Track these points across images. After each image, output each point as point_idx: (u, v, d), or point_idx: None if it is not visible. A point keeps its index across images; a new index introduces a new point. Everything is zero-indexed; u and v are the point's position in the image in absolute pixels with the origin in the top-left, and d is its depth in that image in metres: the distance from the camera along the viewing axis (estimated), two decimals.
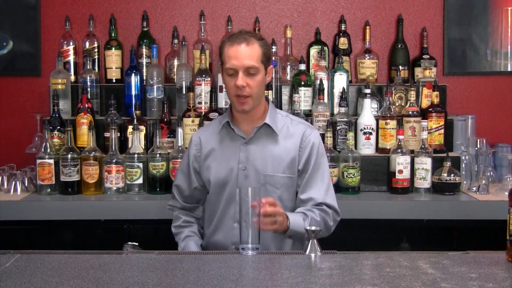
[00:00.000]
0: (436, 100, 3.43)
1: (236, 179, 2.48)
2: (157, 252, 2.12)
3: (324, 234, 2.46)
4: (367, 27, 3.75)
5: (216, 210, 2.54)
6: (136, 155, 3.26)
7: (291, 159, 2.49)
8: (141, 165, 3.25)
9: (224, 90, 3.42)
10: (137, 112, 3.38)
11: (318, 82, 3.48)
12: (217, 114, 3.30)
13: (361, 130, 3.42)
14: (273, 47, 3.61)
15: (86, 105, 3.40)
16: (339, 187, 3.29)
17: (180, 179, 2.62)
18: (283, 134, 2.50)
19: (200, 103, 3.45)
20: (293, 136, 2.50)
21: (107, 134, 3.37)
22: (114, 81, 3.67)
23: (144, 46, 3.68)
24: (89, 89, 3.54)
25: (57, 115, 3.38)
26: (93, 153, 3.26)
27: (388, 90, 3.46)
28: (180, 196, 2.63)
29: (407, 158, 3.29)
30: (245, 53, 2.36)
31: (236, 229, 2.45)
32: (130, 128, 3.34)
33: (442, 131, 3.43)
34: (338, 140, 3.39)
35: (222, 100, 3.45)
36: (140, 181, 3.26)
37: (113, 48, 3.67)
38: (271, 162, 2.48)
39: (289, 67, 3.67)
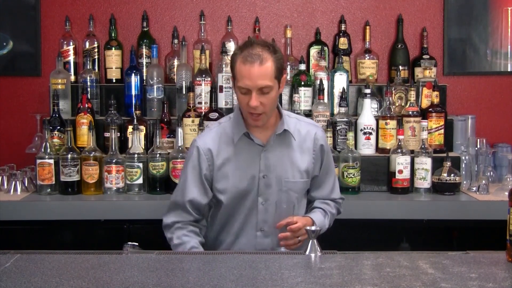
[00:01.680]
0: (436, 100, 3.43)
1: (257, 188, 2.45)
2: (157, 252, 2.12)
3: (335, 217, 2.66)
4: (367, 27, 3.75)
5: (236, 219, 2.50)
6: (136, 155, 3.26)
7: (307, 163, 2.51)
8: (141, 165, 3.25)
9: (224, 90, 3.44)
10: (137, 112, 3.38)
11: (318, 82, 3.48)
12: (217, 114, 3.30)
13: (361, 130, 3.42)
14: None
15: (86, 105, 3.40)
16: (339, 187, 3.28)
17: (193, 192, 2.47)
18: (297, 138, 2.50)
19: (200, 103, 3.45)
20: (306, 139, 2.51)
21: (107, 134, 3.37)
22: (114, 81, 3.67)
23: (144, 46, 3.68)
24: (89, 89, 3.54)
25: (57, 115, 3.38)
26: (93, 153, 3.26)
27: (388, 90, 3.46)
28: (194, 209, 2.48)
29: (407, 158, 3.29)
30: (259, 73, 2.29)
31: (259, 237, 2.49)
32: (130, 128, 3.34)
33: (442, 131, 3.43)
34: (338, 140, 3.39)
35: (222, 100, 3.45)
36: (140, 181, 3.26)
37: (113, 48, 3.67)
38: (291, 168, 2.48)
39: (289, 67, 3.67)
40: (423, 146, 3.31)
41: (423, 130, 3.32)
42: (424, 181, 3.30)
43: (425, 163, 3.29)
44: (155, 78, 3.54)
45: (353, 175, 3.28)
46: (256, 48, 2.31)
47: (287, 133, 2.47)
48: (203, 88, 3.45)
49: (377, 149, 3.44)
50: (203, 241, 2.51)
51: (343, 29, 3.76)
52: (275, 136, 2.45)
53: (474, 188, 3.33)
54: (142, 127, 3.37)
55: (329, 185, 2.61)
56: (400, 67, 3.70)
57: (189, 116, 3.37)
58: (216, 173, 2.46)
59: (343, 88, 3.48)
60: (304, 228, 2.26)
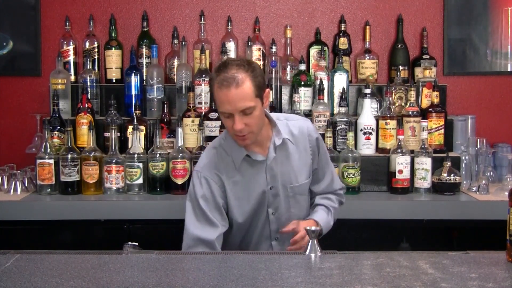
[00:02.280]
0: (436, 100, 3.43)
1: (266, 200, 2.45)
2: (157, 252, 2.12)
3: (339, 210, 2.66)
4: (367, 27, 3.75)
5: (250, 234, 2.49)
6: (136, 155, 3.26)
7: (307, 161, 2.50)
8: (141, 165, 3.25)
9: None
10: (137, 112, 3.38)
11: (318, 82, 3.48)
12: (216, 114, 3.30)
13: (361, 130, 3.42)
14: (273, 47, 3.61)
15: (86, 105, 3.40)
16: None
17: (205, 230, 2.36)
18: (292, 141, 2.47)
19: (200, 103, 3.45)
20: (300, 138, 2.48)
21: (107, 134, 3.37)
22: (114, 81, 3.67)
23: (144, 46, 3.68)
24: (89, 89, 3.54)
25: (57, 115, 3.38)
26: (93, 153, 3.26)
27: (388, 90, 3.46)
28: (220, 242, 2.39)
29: (407, 158, 3.29)
30: (237, 97, 2.20)
31: (275, 247, 2.51)
32: (130, 128, 3.34)
33: (442, 131, 3.43)
34: (338, 140, 3.39)
35: None
36: (140, 181, 3.26)
37: (113, 48, 3.67)
38: (294, 173, 2.47)
39: (289, 67, 3.67)
40: (423, 146, 3.31)
41: (423, 130, 3.32)
42: (424, 181, 3.30)
43: (425, 163, 3.29)
44: (155, 78, 3.54)
45: (353, 175, 3.28)
46: (231, 70, 2.22)
47: (285, 141, 2.44)
48: (203, 88, 3.45)
49: (377, 149, 3.44)
50: None
51: (343, 29, 3.76)
52: (273, 147, 2.42)
53: (474, 188, 3.33)
54: (142, 127, 3.37)
55: (329, 176, 2.59)
56: (400, 67, 3.70)
57: (189, 116, 3.37)
58: (230, 198, 2.41)
59: (343, 88, 3.48)
60: (304, 228, 2.26)
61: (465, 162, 3.44)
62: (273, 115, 2.49)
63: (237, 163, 2.38)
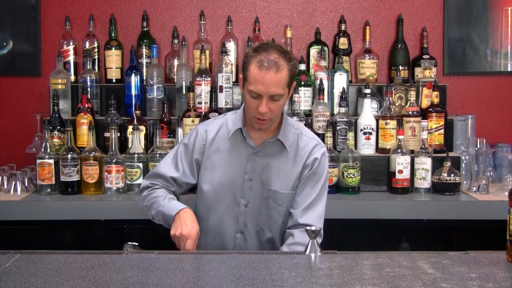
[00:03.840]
0: (436, 100, 3.43)
1: (241, 188, 2.43)
2: (157, 252, 2.12)
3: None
4: (367, 27, 3.75)
5: (215, 213, 2.48)
6: (136, 155, 3.26)
7: (296, 176, 2.45)
8: (141, 165, 3.25)
9: (224, 90, 3.44)
10: (137, 112, 3.38)
11: (318, 82, 3.48)
12: (217, 114, 3.30)
13: (361, 130, 3.42)
14: None
15: (86, 105, 3.40)
16: (339, 187, 3.29)
17: (167, 168, 2.48)
18: (292, 150, 2.44)
19: (200, 103, 3.45)
20: (301, 153, 2.45)
21: (107, 134, 3.37)
22: (114, 81, 3.67)
23: (144, 46, 3.68)
24: (89, 89, 3.54)
25: (57, 115, 3.38)
26: (93, 153, 3.26)
27: (388, 90, 3.46)
28: (166, 182, 2.48)
29: (407, 158, 3.29)
30: (273, 81, 2.24)
31: (238, 239, 2.47)
32: (130, 128, 3.34)
33: (442, 131, 3.43)
34: (338, 140, 3.39)
35: (222, 100, 3.45)
36: (140, 181, 3.26)
37: (113, 48, 3.67)
38: (277, 177, 2.43)
39: None
40: (423, 146, 3.31)
41: (423, 130, 3.33)
42: (424, 181, 3.30)
43: (425, 163, 3.29)
44: (155, 78, 3.54)
45: (353, 175, 3.28)
46: (273, 54, 2.26)
47: (281, 143, 2.43)
48: (203, 88, 3.45)
49: (377, 149, 3.44)
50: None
51: (343, 29, 3.76)
52: (267, 142, 2.43)
53: (474, 188, 3.33)
54: (142, 127, 3.37)
55: (305, 204, 2.42)
56: (400, 67, 3.70)
57: (189, 116, 3.37)
58: (205, 160, 2.46)
59: (343, 88, 3.48)
60: (304, 228, 2.25)
61: (465, 162, 3.44)
62: (293, 122, 2.51)
63: (230, 132, 2.44)
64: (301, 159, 2.44)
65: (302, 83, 3.51)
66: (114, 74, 3.67)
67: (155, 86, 3.54)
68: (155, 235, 3.00)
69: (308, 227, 2.12)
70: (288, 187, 2.44)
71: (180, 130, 3.24)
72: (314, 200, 2.44)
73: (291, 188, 2.44)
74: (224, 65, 3.46)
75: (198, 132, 2.49)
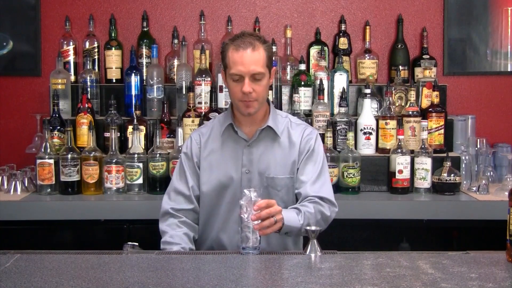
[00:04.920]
0: (436, 100, 3.43)
1: (239, 182, 2.47)
2: (157, 252, 2.13)
3: (323, 225, 2.40)
4: (367, 27, 3.75)
5: (217, 212, 2.51)
6: (136, 155, 3.26)
7: (292, 161, 2.50)
8: (141, 165, 3.25)
9: (224, 90, 3.44)
10: (137, 112, 3.38)
11: (318, 82, 3.48)
12: (217, 114, 3.30)
13: (361, 130, 3.42)
14: (273, 47, 3.61)
15: (86, 105, 3.40)
16: (339, 187, 3.29)
17: (181, 184, 2.53)
18: (285, 136, 2.51)
19: (200, 103, 3.45)
20: (294, 138, 2.51)
21: (107, 134, 3.37)
22: (114, 81, 3.67)
23: (144, 46, 3.68)
24: (89, 89, 3.53)
25: (57, 115, 3.38)
26: (93, 153, 3.26)
27: (388, 90, 3.46)
28: (185, 200, 2.52)
29: (407, 158, 3.29)
30: (251, 59, 2.35)
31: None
32: (130, 128, 3.34)
33: (442, 131, 3.43)
34: (338, 140, 3.39)
35: (222, 100, 3.45)
36: (140, 181, 3.26)
37: (113, 48, 3.67)
38: (274, 164, 2.48)
39: (289, 67, 3.67)
40: (423, 146, 3.31)
41: (423, 130, 3.32)
42: (424, 181, 3.30)
43: (425, 163, 3.29)
44: (155, 78, 3.54)
45: (353, 175, 3.28)
46: (247, 38, 2.38)
47: (273, 130, 2.49)
48: (203, 88, 3.45)
49: (377, 149, 3.44)
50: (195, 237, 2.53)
51: (343, 29, 3.76)
52: (258, 131, 2.48)
53: (474, 188, 3.33)
54: (142, 127, 3.37)
55: (310, 180, 2.47)
56: (400, 67, 3.70)
57: (189, 116, 3.37)
58: (202, 162, 2.52)
59: (343, 88, 3.48)
60: (304, 228, 2.25)
61: (465, 162, 3.44)
62: (280, 112, 2.60)
63: (221, 129, 2.50)
64: (295, 145, 2.50)
65: (302, 83, 3.51)
66: (114, 74, 3.67)
67: (155, 86, 3.54)
68: (155, 235, 3.00)
69: (308, 227, 2.13)
70: (285, 172, 2.49)
71: (180, 130, 3.24)
72: (320, 174, 2.49)
73: (288, 172, 2.49)
74: None
75: (192, 138, 2.58)
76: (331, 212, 2.46)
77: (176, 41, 3.70)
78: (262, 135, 2.49)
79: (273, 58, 2.56)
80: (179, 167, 2.58)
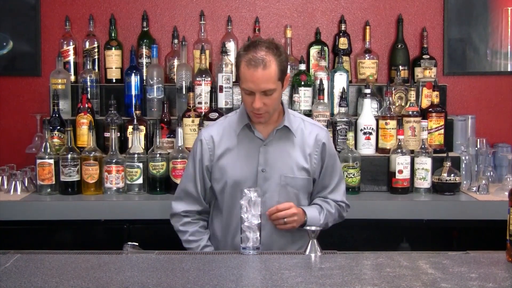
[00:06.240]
0: (436, 100, 3.43)
1: (255, 182, 2.47)
2: (157, 252, 2.13)
3: (338, 221, 2.64)
4: (367, 27, 3.75)
5: (233, 212, 2.49)
6: (136, 155, 3.26)
7: (308, 161, 2.52)
8: (141, 165, 3.25)
9: (224, 90, 3.45)
10: (137, 112, 3.38)
11: (318, 82, 3.48)
12: (217, 114, 3.30)
13: (361, 130, 3.42)
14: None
15: (86, 105, 3.40)
16: None
17: (191, 186, 2.55)
18: (299, 136, 2.53)
19: (200, 103, 3.45)
20: (308, 138, 2.54)
21: (107, 134, 3.37)
22: (114, 81, 3.67)
23: (144, 46, 3.68)
24: (89, 89, 3.53)
25: (57, 115, 3.38)
26: (93, 153, 3.26)
27: (388, 90, 3.46)
28: (195, 201, 2.56)
29: (407, 158, 3.29)
30: (262, 78, 2.33)
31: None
32: (130, 128, 3.34)
33: (442, 131, 3.43)
34: (338, 140, 3.39)
35: (222, 100, 3.45)
36: (140, 181, 3.26)
37: (113, 48, 3.67)
38: (290, 163, 2.50)
39: (289, 67, 3.65)
40: (423, 146, 3.31)
41: (423, 130, 3.32)
42: (424, 181, 3.30)
43: (425, 163, 3.29)
44: (155, 78, 3.54)
45: (353, 175, 3.28)
46: (260, 51, 2.34)
47: (288, 130, 2.51)
48: (203, 88, 3.45)
49: (377, 149, 3.44)
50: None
51: (343, 29, 3.76)
52: (275, 131, 2.49)
53: (474, 188, 3.33)
54: (142, 127, 3.37)
55: (331, 187, 2.59)
56: (400, 67, 3.70)
57: (189, 116, 3.37)
58: (216, 163, 2.51)
59: (343, 88, 3.48)
60: (304, 228, 2.26)
61: (465, 162, 3.44)
62: (292, 112, 2.62)
63: (238, 129, 2.50)
64: (310, 145, 2.53)
65: (302, 83, 3.51)
66: (114, 74, 3.67)
67: (155, 86, 3.54)
68: (155, 235, 3.01)
69: (308, 227, 2.13)
70: (302, 172, 2.51)
71: (180, 130, 3.24)
72: (340, 178, 2.63)
73: (305, 173, 2.52)
74: (224, 65, 3.46)
75: (203, 139, 2.54)
76: (346, 213, 2.68)
77: (176, 41, 3.70)
78: (278, 134, 2.50)
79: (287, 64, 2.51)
80: (188, 169, 2.57)
